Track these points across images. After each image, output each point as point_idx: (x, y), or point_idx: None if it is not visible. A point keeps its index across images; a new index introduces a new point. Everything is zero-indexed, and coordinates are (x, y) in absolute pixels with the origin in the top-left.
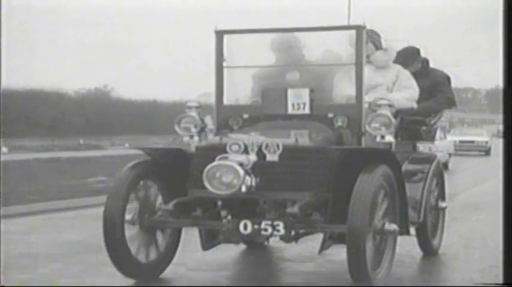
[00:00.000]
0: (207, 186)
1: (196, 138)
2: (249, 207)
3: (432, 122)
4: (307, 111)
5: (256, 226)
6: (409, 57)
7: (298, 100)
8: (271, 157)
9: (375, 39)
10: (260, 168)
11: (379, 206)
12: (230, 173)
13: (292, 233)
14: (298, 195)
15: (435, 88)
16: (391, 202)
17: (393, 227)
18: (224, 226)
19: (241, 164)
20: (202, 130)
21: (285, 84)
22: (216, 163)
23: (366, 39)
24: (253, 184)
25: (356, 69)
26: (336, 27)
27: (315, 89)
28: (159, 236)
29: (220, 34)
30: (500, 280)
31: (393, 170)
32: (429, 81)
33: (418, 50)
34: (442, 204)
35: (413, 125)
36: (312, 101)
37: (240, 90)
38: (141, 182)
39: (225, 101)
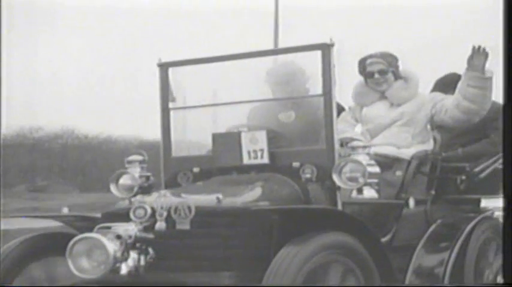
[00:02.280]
0: (71, 268)
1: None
2: None
3: (477, 169)
4: (265, 160)
5: None
6: (451, 87)
7: (254, 146)
8: (181, 224)
9: (394, 66)
10: (165, 240)
11: None
12: (97, 250)
13: None
14: (214, 278)
15: (488, 126)
16: None
17: None
18: None
19: (119, 237)
20: (145, 191)
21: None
22: (80, 236)
23: (382, 67)
24: (142, 263)
25: (324, 101)
26: (295, 48)
27: (277, 131)
28: None
29: (164, 68)
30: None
31: (362, 240)
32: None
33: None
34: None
35: (448, 175)
36: (272, 147)
37: (193, 138)
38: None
39: (174, 153)
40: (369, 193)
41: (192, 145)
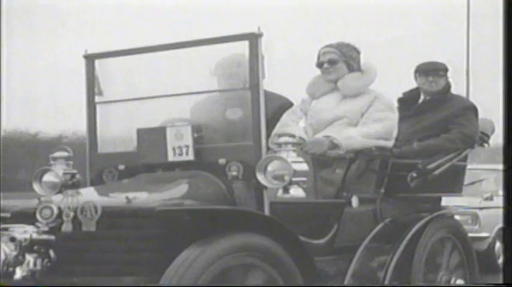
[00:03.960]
0: None
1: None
2: None
3: (431, 166)
4: (191, 157)
5: None
6: (433, 74)
7: (179, 143)
8: (87, 226)
9: (348, 56)
10: (69, 242)
11: None
12: None
13: None
14: (114, 282)
15: (452, 121)
16: None
17: None
18: None
19: (13, 239)
20: (71, 188)
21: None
22: None
23: (334, 56)
24: (38, 267)
25: (251, 95)
26: (222, 38)
27: (203, 126)
28: None
29: (90, 59)
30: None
31: (281, 242)
32: (446, 111)
33: (446, 68)
34: (458, 282)
35: (399, 172)
36: (198, 142)
37: (120, 133)
38: None
39: (99, 149)
40: (296, 192)
41: (119, 141)
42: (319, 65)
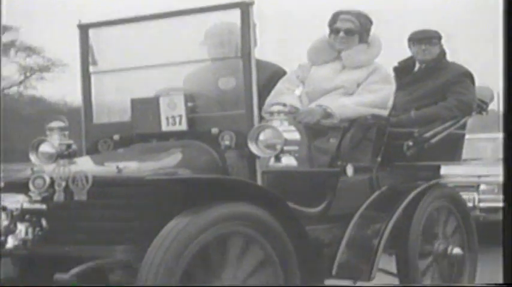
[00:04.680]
0: None
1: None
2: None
3: (427, 135)
4: (184, 127)
5: None
6: (426, 42)
7: (172, 112)
8: (79, 195)
9: (363, 28)
10: (60, 212)
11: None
12: None
13: None
14: (105, 251)
15: (448, 89)
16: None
17: None
18: None
19: (4, 209)
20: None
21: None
22: None
23: (352, 26)
24: (30, 236)
25: (243, 64)
26: (214, 7)
27: (196, 95)
28: None
29: (84, 29)
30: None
31: (272, 211)
32: (441, 79)
33: (439, 35)
34: (455, 250)
35: (396, 140)
36: (191, 112)
37: (115, 104)
38: None
39: (95, 119)
40: (288, 161)
41: (114, 111)
42: (335, 31)
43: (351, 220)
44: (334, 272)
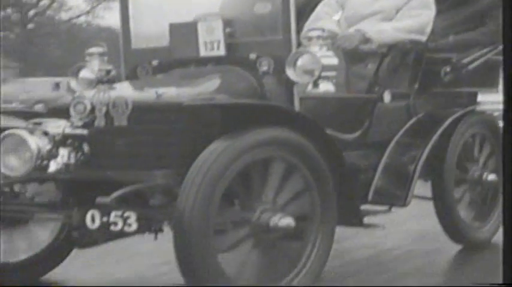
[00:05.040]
0: (1, 166)
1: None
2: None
3: (466, 60)
4: (222, 52)
5: (105, 218)
6: None
7: (210, 37)
8: (119, 120)
9: None
10: (101, 137)
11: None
12: (21, 147)
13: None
14: (145, 175)
15: (487, 14)
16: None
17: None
18: (70, 217)
19: (46, 133)
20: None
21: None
22: (6, 133)
23: None
24: (72, 160)
25: None
26: None
27: (234, 21)
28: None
29: None
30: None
31: (310, 136)
32: (481, 4)
33: None
34: (490, 177)
35: (434, 66)
36: (229, 37)
37: (154, 28)
38: None
39: (133, 44)
40: (325, 87)
41: (152, 36)
42: None
43: (387, 146)
44: (370, 197)
